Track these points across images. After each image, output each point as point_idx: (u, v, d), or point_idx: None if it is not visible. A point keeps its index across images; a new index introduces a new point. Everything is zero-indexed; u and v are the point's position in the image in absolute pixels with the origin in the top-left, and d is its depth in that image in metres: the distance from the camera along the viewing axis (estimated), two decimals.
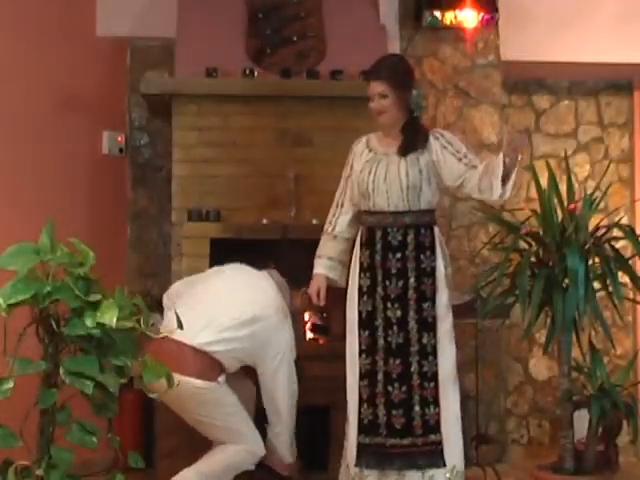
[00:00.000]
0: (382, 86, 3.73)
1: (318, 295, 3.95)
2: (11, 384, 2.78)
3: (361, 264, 3.81)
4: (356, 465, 3.75)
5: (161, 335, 3.45)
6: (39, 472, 2.79)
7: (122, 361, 2.89)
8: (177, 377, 3.55)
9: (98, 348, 2.86)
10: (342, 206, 3.95)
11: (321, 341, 4.79)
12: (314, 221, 4.68)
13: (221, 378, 3.82)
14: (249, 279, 4.03)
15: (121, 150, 5.25)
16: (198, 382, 3.70)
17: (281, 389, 3.92)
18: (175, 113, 4.71)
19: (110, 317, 2.79)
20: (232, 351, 3.81)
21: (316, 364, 4.53)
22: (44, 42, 4.71)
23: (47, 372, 2.85)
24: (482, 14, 5.13)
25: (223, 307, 3.83)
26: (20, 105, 4.57)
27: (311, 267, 4.02)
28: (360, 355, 3.78)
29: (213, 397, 3.78)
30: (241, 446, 3.84)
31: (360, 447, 3.75)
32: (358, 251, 3.85)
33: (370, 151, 3.86)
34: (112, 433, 2.98)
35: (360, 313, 3.79)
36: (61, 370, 2.80)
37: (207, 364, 3.77)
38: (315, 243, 4.73)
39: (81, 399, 2.88)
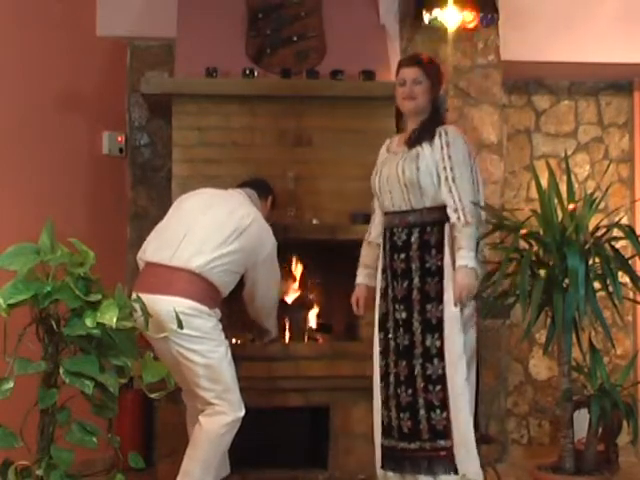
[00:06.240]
0: (418, 72, 3.76)
1: (358, 304, 3.98)
2: (11, 384, 2.79)
3: (382, 267, 3.82)
4: (381, 467, 3.75)
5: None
6: (39, 472, 2.79)
7: (122, 361, 2.89)
8: (169, 299, 3.65)
9: (98, 348, 2.87)
10: (374, 212, 3.95)
11: (320, 340, 4.79)
12: (314, 221, 4.68)
13: (217, 310, 3.85)
14: (222, 196, 4.10)
15: (121, 150, 5.24)
16: (191, 302, 3.70)
17: (264, 286, 4.08)
18: (175, 113, 4.71)
19: (110, 317, 2.80)
20: (227, 268, 3.85)
21: (316, 364, 4.53)
22: (44, 42, 4.71)
23: (47, 372, 2.86)
24: (482, 14, 5.13)
25: (207, 229, 3.88)
26: (20, 105, 4.57)
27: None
28: (379, 357, 3.78)
29: (207, 325, 3.76)
30: (219, 420, 3.76)
31: (382, 449, 3.75)
32: (380, 253, 3.86)
33: (387, 152, 3.86)
34: (112, 433, 2.99)
35: (380, 315, 3.80)
36: (61, 370, 2.80)
37: (202, 289, 3.78)
38: (315, 243, 4.74)
39: (81, 399, 2.89)
